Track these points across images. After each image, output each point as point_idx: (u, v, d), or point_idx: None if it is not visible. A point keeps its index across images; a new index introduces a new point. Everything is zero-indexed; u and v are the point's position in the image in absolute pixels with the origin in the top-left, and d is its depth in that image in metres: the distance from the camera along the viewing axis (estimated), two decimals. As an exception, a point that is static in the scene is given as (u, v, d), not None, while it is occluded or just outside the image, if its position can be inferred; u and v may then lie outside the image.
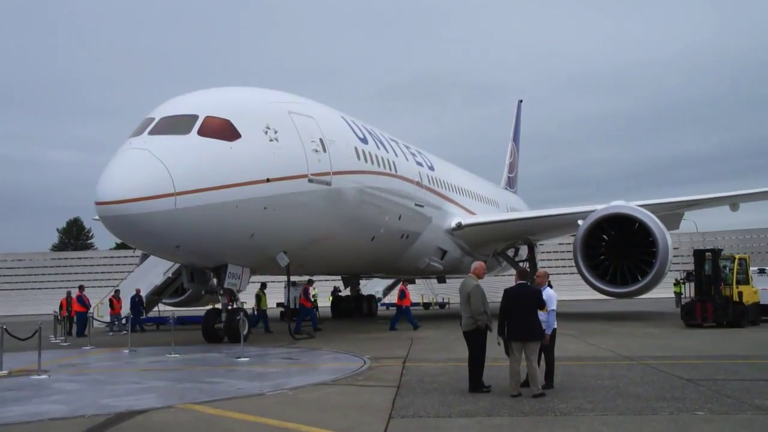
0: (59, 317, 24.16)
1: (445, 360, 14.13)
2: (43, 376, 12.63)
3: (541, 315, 10.20)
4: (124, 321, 26.06)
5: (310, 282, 25.26)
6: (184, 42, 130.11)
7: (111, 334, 24.61)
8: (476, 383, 10.06)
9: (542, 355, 10.34)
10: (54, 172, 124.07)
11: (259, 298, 25.22)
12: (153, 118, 17.22)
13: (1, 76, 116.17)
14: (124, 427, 8.02)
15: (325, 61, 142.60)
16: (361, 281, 36.19)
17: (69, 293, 26.07)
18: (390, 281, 42.52)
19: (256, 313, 24.99)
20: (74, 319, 25.16)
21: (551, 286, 10.84)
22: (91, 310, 25.36)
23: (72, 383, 12.04)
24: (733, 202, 32.04)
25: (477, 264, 10.92)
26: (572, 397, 9.38)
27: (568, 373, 11.48)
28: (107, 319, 26.26)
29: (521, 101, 55.36)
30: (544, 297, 10.29)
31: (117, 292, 26.93)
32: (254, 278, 20.43)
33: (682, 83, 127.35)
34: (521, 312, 9.90)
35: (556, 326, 10.73)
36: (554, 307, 10.49)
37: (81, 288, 26.04)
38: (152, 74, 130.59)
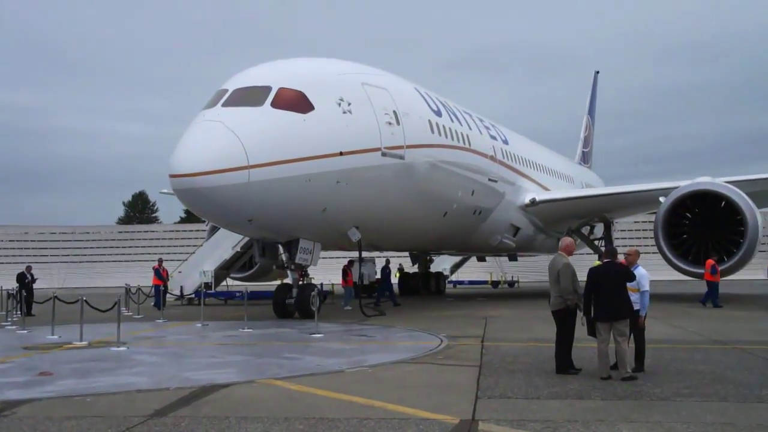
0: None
1: (525, 340, 14.01)
2: (122, 348, 13.02)
3: (633, 296, 10.00)
4: (193, 295, 26.81)
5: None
6: (250, 13, 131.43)
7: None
8: (564, 364, 9.95)
9: (632, 336, 10.14)
10: (120, 145, 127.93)
11: None
12: (226, 90, 17.41)
13: (68, 48, 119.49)
14: (210, 401, 8.20)
15: (387, 33, 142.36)
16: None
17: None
18: (458, 258, 42.40)
19: None
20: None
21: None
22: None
23: (152, 356, 12.40)
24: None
25: (566, 240, 10.74)
26: (666, 382, 9.19)
27: (657, 357, 11.23)
28: (177, 292, 26.99)
29: (598, 72, 54.21)
30: (637, 276, 10.09)
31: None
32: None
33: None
34: (608, 291, 9.71)
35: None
36: (647, 288, 10.27)
37: (159, 261, 26.75)
38: (221, 46, 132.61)
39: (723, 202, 24.69)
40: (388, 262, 27.85)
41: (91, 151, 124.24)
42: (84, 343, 13.88)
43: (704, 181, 25.50)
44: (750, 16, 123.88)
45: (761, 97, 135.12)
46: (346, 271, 23.75)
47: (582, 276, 9.87)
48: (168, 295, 26.17)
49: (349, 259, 25.74)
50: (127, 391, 8.82)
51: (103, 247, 62.18)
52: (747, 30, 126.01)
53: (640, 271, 10.27)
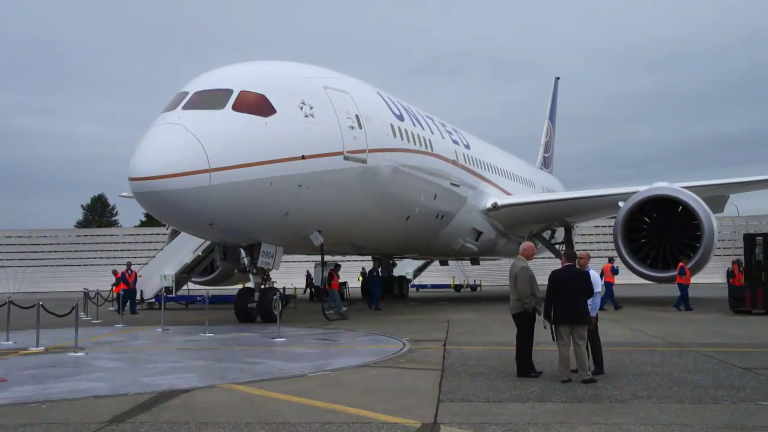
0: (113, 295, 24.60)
1: (486, 343, 14.10)
2: (80, 354, 12.80)
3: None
4: (153, 300, 26.54)
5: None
6: (212, 15, 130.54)
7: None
8: (525, 368, 10.02)
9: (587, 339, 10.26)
10: (78, 147, 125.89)
11: None
12: (187, 92, 17.26)
13: (24, 47, 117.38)
14: (170, 406, 8.10)
15: (351, 37, 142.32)
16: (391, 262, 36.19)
17: (115, 271, 26.44)
18: (420, 262, 42.55)
19: None
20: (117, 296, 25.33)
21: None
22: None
23: (111, 361, 12.23)
24: (785, 184, 31.35)
25: (526, 244, 10.85)
26: (625, 384, 9.31)
27: (616, 360, 11.38)
28: (137, 296, 26.70)
29: (558, 78, 54.84)
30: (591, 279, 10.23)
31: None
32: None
33: (732, 59, 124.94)
34: (570, 295, 9.81)
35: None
36: (599, 290, 10.47)
37: (128, 265, 26.28)
38: (181, 48, 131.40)
39: (680, 207, 25.12)
40: (375, 266, 27.94)
41: (48, 153, 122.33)
42: (40, 348, 13.61)
43: (662, 186, 25.91)
44: (710, 22, 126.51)
45: (719, 104, 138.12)
46: (332, 275, 23.60)
47: (543, 280, 9.98)
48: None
49: (335, 262, 25.52)
50: (84, 397, 8.66)
51: (61, 251, 61.13)
52: (706, 36, 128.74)
53: (592, 274, 10.43)
